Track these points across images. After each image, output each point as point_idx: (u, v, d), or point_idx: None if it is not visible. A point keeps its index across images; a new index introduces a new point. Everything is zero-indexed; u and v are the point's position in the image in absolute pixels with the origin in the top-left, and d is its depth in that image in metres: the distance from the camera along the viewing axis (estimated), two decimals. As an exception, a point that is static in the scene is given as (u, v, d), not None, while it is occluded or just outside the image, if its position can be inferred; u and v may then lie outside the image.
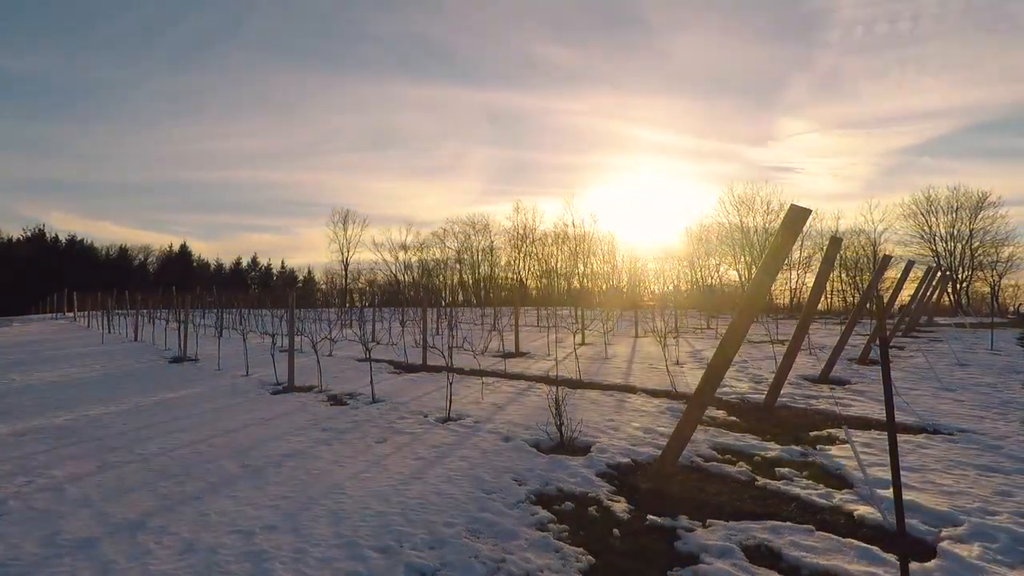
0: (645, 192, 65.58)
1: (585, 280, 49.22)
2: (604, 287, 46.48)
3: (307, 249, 77.91)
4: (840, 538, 3.05)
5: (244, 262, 71.68)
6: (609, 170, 66.75)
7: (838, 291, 43.22)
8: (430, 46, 63.14)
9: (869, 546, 2.95)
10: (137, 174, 76.36)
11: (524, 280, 51.73)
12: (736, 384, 7.73)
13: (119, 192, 78.13)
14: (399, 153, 72.47)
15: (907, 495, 3.33)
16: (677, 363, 9.91)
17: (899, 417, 5.56)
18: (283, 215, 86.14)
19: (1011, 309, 33.40)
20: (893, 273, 24.43)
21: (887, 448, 2.55)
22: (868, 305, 11.27)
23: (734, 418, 5.86)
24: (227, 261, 71.82)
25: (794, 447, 4.75)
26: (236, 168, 74.26)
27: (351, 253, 57.15)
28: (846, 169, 57.75)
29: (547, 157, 69.25)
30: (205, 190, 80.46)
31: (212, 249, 60.26)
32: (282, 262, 73.26)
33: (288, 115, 70.06)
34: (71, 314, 31.25)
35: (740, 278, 42.40)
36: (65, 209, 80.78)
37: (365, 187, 75.74)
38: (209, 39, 65.38)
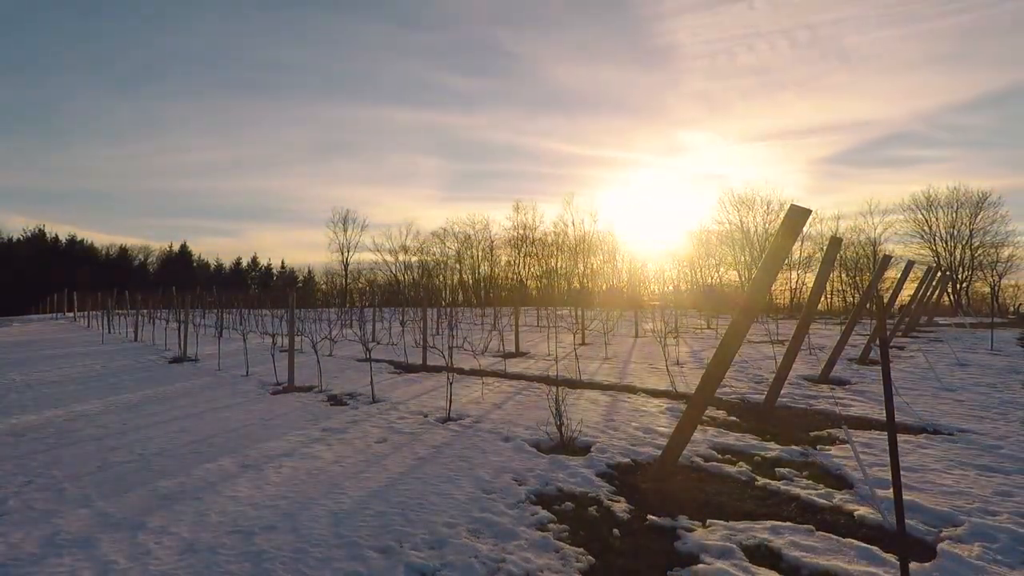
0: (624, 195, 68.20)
1: (585, 280, 49.25)
2: (604, 287, 46.51)
3: (263, 249, 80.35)
4: (840, 538, 3.05)
5: (244, 262, 71.78)
6: (562, 179, 71.05)
7: (838, 291, 43.24)
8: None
9: (869, 546, 2.95)
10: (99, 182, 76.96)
11: (524, 280, 51.76)
12: (736, 384, 7.73)
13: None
14: (349, 163, 75.81)
15: (907, 495, 3.33)
16: (677, 363, 9.91)
17: (899, 417, 5.56)
18: (238, 219, 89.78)
19: (1011, 309, 33.40)
20: (893, 273, 24.45)
21: (887, 448, 2.55)
22: (868, 305, 11.27)
23: (734, 418, 5.86)
24: (227, 261, 72.00)
25: (794, 447, 4.75)
26: (195, 178, 77.28)
27: (351, 253, 57.21)
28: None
29: (496, 165, 72.69)
30: (169, 198, 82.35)
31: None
32: (282, 262, 73.34)
33: (241, 131, 72.68)
34: (71, 314, 31.25)
35: (740, 278, 42.41)
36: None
37: (316, 194, 78.76)
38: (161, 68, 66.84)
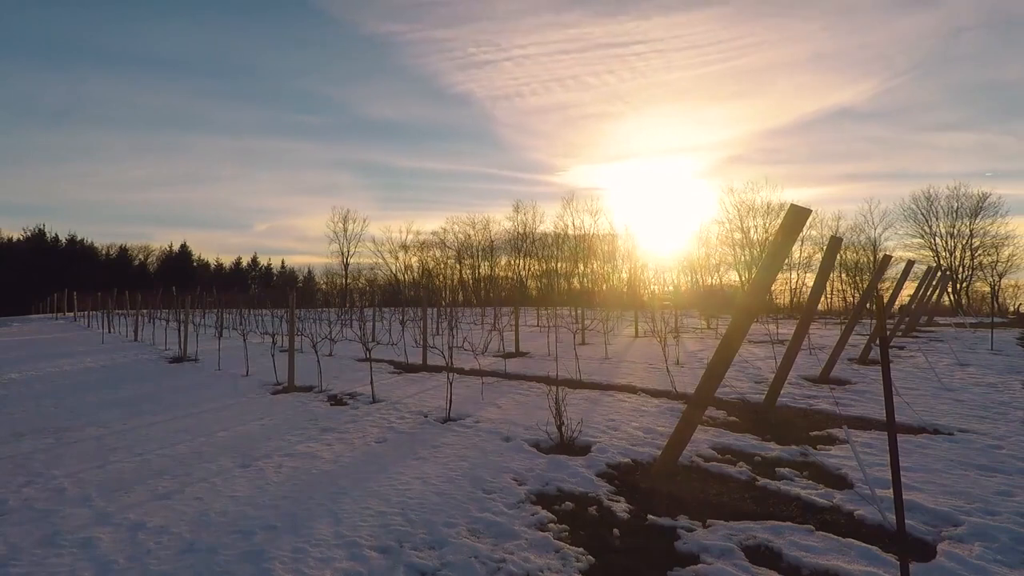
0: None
1: (585, 280, 49.26)
2: (604, 287, 46.52)
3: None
4: (840, 538, 3.05)
5: (244, 262, 71.80)
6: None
7: (838, 291, 43.25)
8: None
9: (869, 546, 2.95)
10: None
11: (524, 280, 51.75)
12: (736, 384, 7.73)
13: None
14: (280, 173, 78.20)
15: (907, 495, 3.33)
16: (677, 363, 9.91)
17: (899, 417, 5.56)
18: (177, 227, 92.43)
19: (1011, 309, 33.40)
20: (893, 273, 24.44)
21: (887, 448, 2.55)
22: (868, 305, 11.27)
23: (734, 418, 5.86)
24: (227, 261, 72.06)
25: (794, 447, 4.75)
26: (134, 191, 79.22)
27: (351, 253, 57.23)
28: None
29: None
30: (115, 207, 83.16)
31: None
32: (282, 262, 73.40)
33: (175, 144, 74.74)
34: (71, 314, 31.26)
35: (740, 278, 42.41)
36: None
37: (244, 203, 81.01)
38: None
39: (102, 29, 67.64)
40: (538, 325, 19.15)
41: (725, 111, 61.56)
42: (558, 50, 62.51)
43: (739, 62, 59.37)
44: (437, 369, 9.46)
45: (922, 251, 40.49)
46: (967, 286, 40.85)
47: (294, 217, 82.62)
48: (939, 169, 55.39)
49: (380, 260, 55.69)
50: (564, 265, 50.77)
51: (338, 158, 76.56)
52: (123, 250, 64.64)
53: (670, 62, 60.38)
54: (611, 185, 72.00)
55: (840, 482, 3.96)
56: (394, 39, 65.97)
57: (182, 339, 12.08)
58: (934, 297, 18.21)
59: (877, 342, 6.83)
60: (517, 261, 53.02)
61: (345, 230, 57.09)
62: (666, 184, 61.70)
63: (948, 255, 40.38)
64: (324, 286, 57.24)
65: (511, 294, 41.78)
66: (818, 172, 57.90)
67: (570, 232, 50.29)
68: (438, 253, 55.07)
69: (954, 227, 40.24)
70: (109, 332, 19.49)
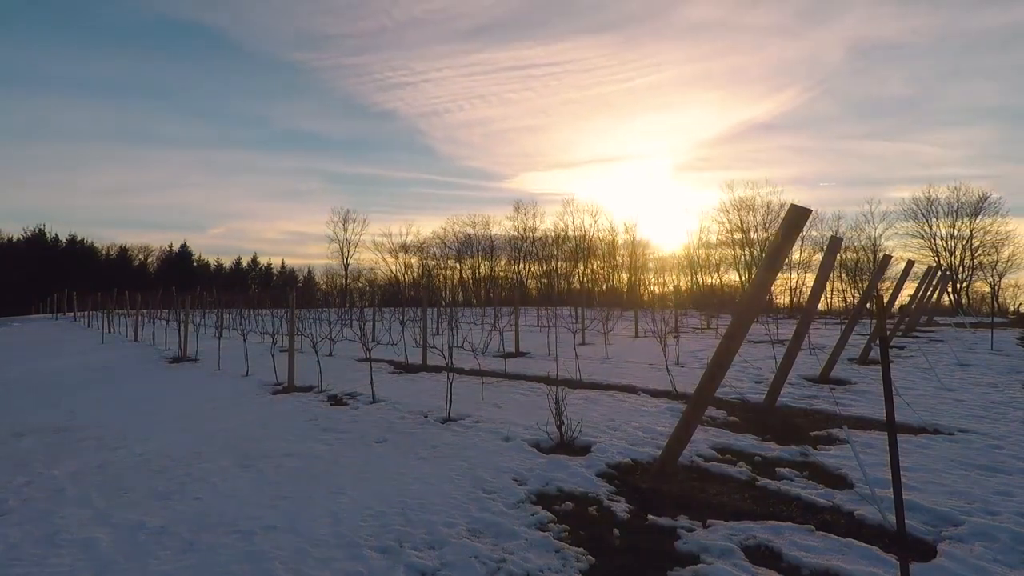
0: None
1: (585, 280, 49.25)
2: (604, 287, 46.51)
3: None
4: (840, 538, 3.05)
5: (244, 262, 71.80)
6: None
7: (838, 291, 43.26)
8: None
9: (869, 546, 2.95)
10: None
11: (524, 280, 51.75)
12: (736, 384, 7.73)
13: None
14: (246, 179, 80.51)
15: (907, 495, 3.33)
16: (677, 363, 9.91)
17: (899, 417, 5.55)
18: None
19: (1011, 309, 33.40)
20: (893, 273, 24.45)
21: (887, 448, 2.55)
22: (868, 305, 11.27)
23: (734, 418, 5.86)
24: (227, 261, 72.11)
25: (794, 447, 4.75)
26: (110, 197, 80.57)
27: (351, 253, 57.24)
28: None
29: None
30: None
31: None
32: (282, 262, 73.36)
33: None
34: (71, 314, 31.25)
35: (740, 278, 42.41)
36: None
37: (212, 208, 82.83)
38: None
39: (55, 59, 70.84)
40: (538, 325, 19.15)
41: (649, 124, 66.50)
42: (470, 72, 68.05)
43: (649, 79, 64.85)
44: (437, 369, 9.46)
45: (922, 251, 40.55)
46: (967, 286, 40.86)
47: (248, 220, 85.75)
48: (853, 175, 59.23)
49: (380, 260, 55.73)
50: (564, 265, 50.80)
51: (285, 167, 79.83)
52: (123, 250, 64.60)
53: (579, 80, 66.43)
54: (564, 188, 77.34)
55: (840, 482, 3.96)
56: (306, 65, 71.50)
57: (182, 339, 12.08)
58: (934, 297, 18.21)
59: (877, 342, 6.83)
60: (517, 261, 53.06)
61: (345, 230, 57.16)
62: (612, 188, 68.37)
63: (948, 255, 40.40)
64: (324, 286, 57.32)
65: (511, 294, 41.78)
66: (747, 179, 61.85)
67: (570, 232, 50.34)
68: (438, 253, 55.12)
69: (954, 227, 40.29)
70: (109, 332, 19.49)
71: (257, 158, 78.85)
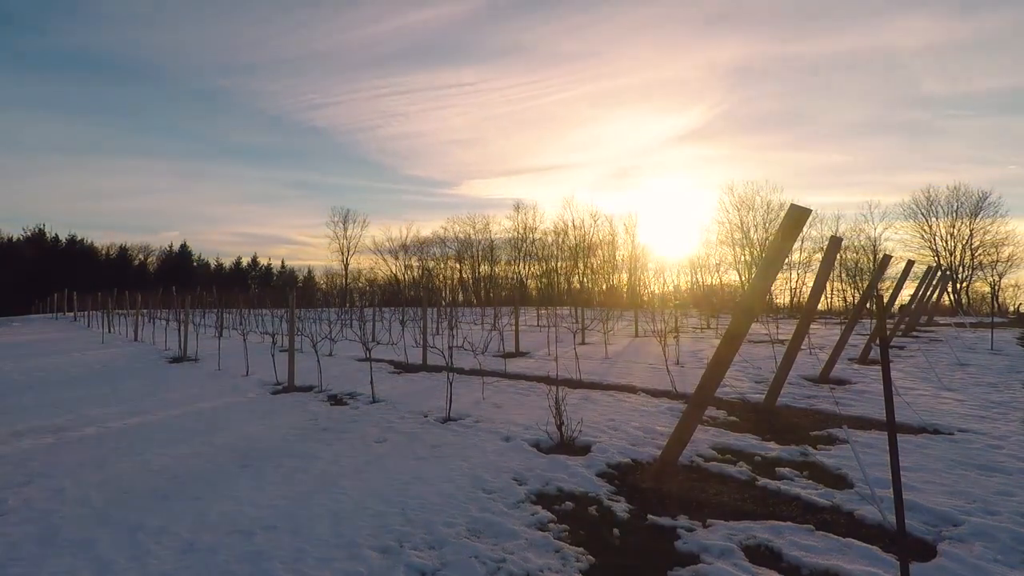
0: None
1: (585, 280, 49.25)
2: (604, 287, 46.52)
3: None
4: (840, 538, 3.05)
5: (244, 262, 71.81)
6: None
7: (838, 291, 43.25)
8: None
9: (869, 546, 2.95)
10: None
11: (524, 280, 51.76)
12: (736, 384, 7.73)
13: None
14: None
15: (907, 495, 3.33)
16: (677, 363, 9.91)
17: (899, 417, 5.56)
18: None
19: (1011, 309, 33.39)
20: (893, 273, 24.45)
21: (887, 448, 2.55)
22: (868, 305, 11.26)
23: (734, 418, 5.86)
24: (227, 261, 72.18)
25: (794, 447, 4.75)
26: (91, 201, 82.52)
27: (351, 253, 57.27)
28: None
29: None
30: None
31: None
32: (282, 262, 73.42)
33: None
34: (71, 314, 31.26)
35: (740, 278, 42.41)
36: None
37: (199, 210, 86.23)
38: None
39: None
40: (538, 325, 19.15)
41: (578, 136, 70.85)
42: (390, 93, 72.99)
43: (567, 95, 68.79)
44: (437, 369, 9.46)
45: (922, 251, 40.55)
46: (967, 286, 40.85)
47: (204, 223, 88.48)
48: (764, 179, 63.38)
49: (380, 260, 55.76)
50: (564, 265, 50.81)
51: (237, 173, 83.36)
52: (123, 250, 64.62)
53: (507, 96, 70.43)
54: (509, 194, 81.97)
55: (840, 482, 3.96)
56: (227, 91, 75.50)
57: (182, 339, 12.08)
58: (934, 297, 18.21)
59: (877, 342, 6.82)
60: (517, 261, 53.07)
61: (345, 230, 57.18)
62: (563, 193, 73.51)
63: (948, 255, 40.40)
64: (324, 286, 57.36)
65: (511, 294, 41.77)
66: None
67: (570, 232, 50.32)
68: (437, 252, 55.15)
69: (954, 227, 40.29)
70: (109, 332, 19.49)
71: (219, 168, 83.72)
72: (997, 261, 39.50)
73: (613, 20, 64.17)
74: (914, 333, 15.11)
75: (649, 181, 67.33)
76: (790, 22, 59.45)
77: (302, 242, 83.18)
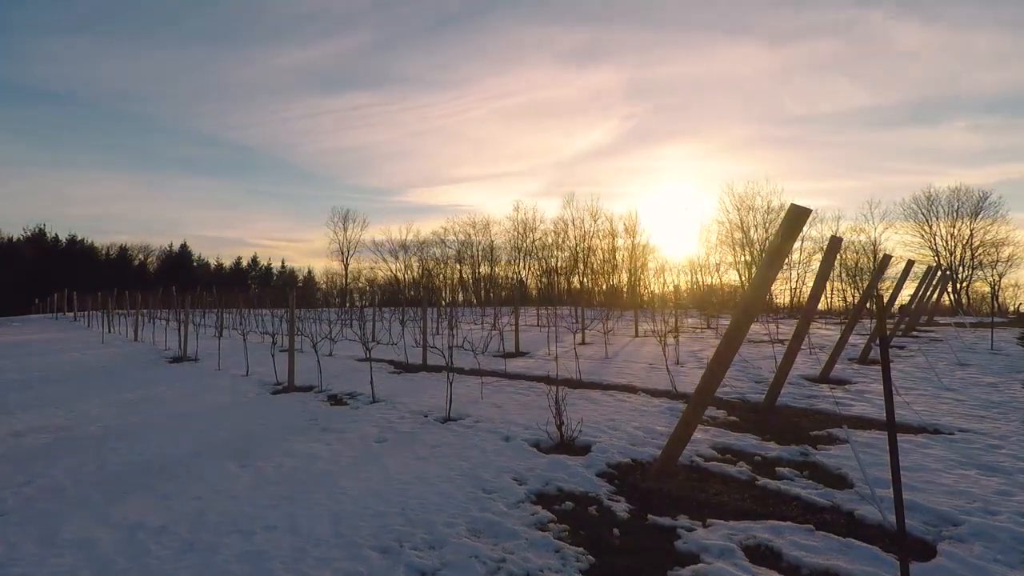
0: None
1: (585, 280, 49.23)
2: (604, 286, 46.51)
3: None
4: (840, 538, 3.05)
5: (244, 262, 71.82)
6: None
7: (838, 291, 43.24)
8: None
9: (869, 546, 2.95)
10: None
11: (524, 280, 51.75)
12: (736, 384, 7.73)
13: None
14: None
15: (907, 495, 3.33)
16: (677, 363, 9.91)
17: (899, 417, 5.56)
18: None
19: (1011, 309, 33.39)
20: (893, 273, 24.44)
21: (887, 448, 2.55)
22: (868, 305, 11.27)
23: (734, 418, 5.86)
24: (227, 261, 72.25)
25: (794, 447, 4.75)
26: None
27: (351, 253, 57.26)
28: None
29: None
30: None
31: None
32: (282, 262, 73.47)
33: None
34: (71, 314, 31.25)
35: (740, 278, 42.39)
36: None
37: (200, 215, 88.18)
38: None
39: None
40: (538, 325, 19.15)
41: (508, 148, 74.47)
42: (306, 114, 76.10)
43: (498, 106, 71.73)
44: (437, 369, 9.46)
45: (922, 251, 40.56)
46: (967, 286, 40.85)
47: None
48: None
49: (380, 258, 55.75)
50: (564, 264, 50.80)
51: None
52: (123, 250, 64.61)
53: (423, 114, 73.91)
54: (453, 201, 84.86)
55: (840, 482, 3.96)
56: (146, 114, 78.90)
57: (182, 339, 12.09)
58: (934, 297, 18.21)
59: (877, 342, 6.83)
60: (517, 261, 53.05)
61: (345, 230, 57.17)
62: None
63: (948, 255, 40.40)
64: (324, 286, 57.37)
65: (511, 294, 41.81)
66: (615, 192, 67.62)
67: (570, 232, 50.30)
68: (437, 252, 55.14)
69: (954, 227, 40.30)
70: (109, 332, 19.49)
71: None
72: (997, 261, 39.56)
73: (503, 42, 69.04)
74: (914, 333, 15.11)
75: (582, 189, 71.07)
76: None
77: (264, 244, 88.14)
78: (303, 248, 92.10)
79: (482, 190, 77.81)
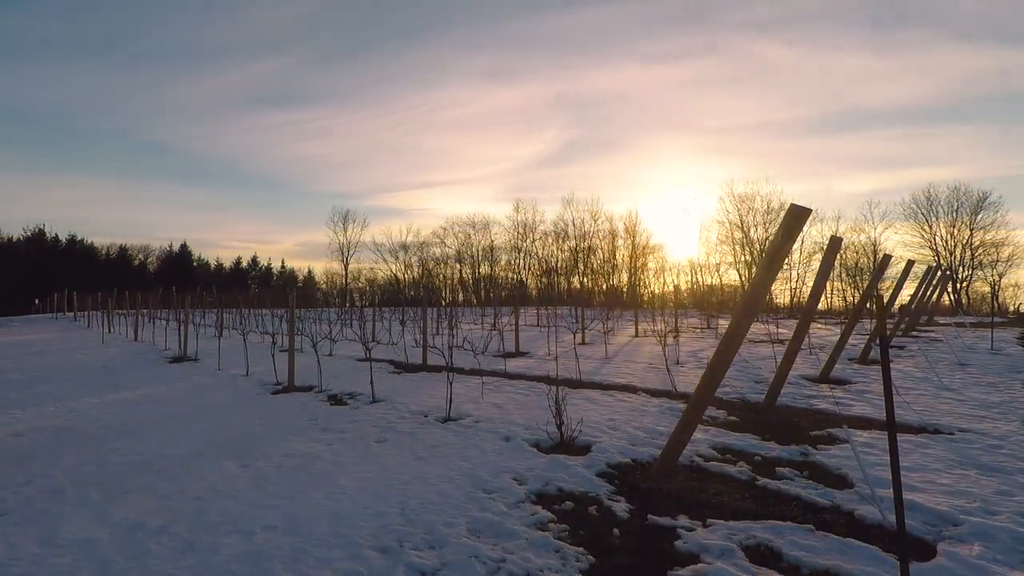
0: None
1: (585, 280, 49.22)
2: (604, 287, 46.50)
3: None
4: (840, 538, 3.05)
5: (244, 262, 71.81)
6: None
7: (838, 291, 43.23)
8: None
9: (869, 546, 2.95)
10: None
11: (524, 280, 51.73)
12: (736, 384, 7.73)
13: None
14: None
15: (907, 495, 3.33)
16: (677, 363, 9.91)
17: (899, 417, 5.55)
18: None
19: (1011, 309, 33.39)
20: (893, 273, 24.44)
21: (887, 448, 2.55)
22: (868, 305, 11.26)
23: (734, 418, 5.86)
24: (227, 261, 72.29)
25: (794, 447, 4.75)
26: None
27: (351, 252, 57.26)
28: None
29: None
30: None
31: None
32: (282, 262, 73.42)
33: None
34: (71, 314, 31.25)
35: (740, 278, 42.38)
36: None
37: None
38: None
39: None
40: (538, 325, 19.15)
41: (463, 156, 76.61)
42: (256, 128, 77.74)
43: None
44: (437, 369, 9.46)
45: (922, 251, 40.55)
46: (967, 286, 40.84)
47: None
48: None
49: (380, 257, 55.74)
50: (564, 264, 50.79)
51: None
52: (123, 250, 64.58)
53: (363, 127, 76.26)
54: (420, 206, 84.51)
55: (840, 482, 3.96)
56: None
57: (182, 339, 12.08)
58: (934, 297, 18.21)
59: (877, 342, 6.83)
60: (517, 260, 53.04)
61: (345, 230, 57.17)
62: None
63: (948, 255, 40.39)
64: (324, 286, 57.36)
65: (511, 294, 41.82)
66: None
67: (570, 232, 50.29)
68: (437, 252, 55.11)
69: (954, 227, 40.30)
70: (109, 332, 19.49)
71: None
72: (997, 261, 39.55)
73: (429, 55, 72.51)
74: (914, 333, 15.11)
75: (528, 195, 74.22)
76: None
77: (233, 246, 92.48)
78: (275, 249, 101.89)
79: (438, 195, 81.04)
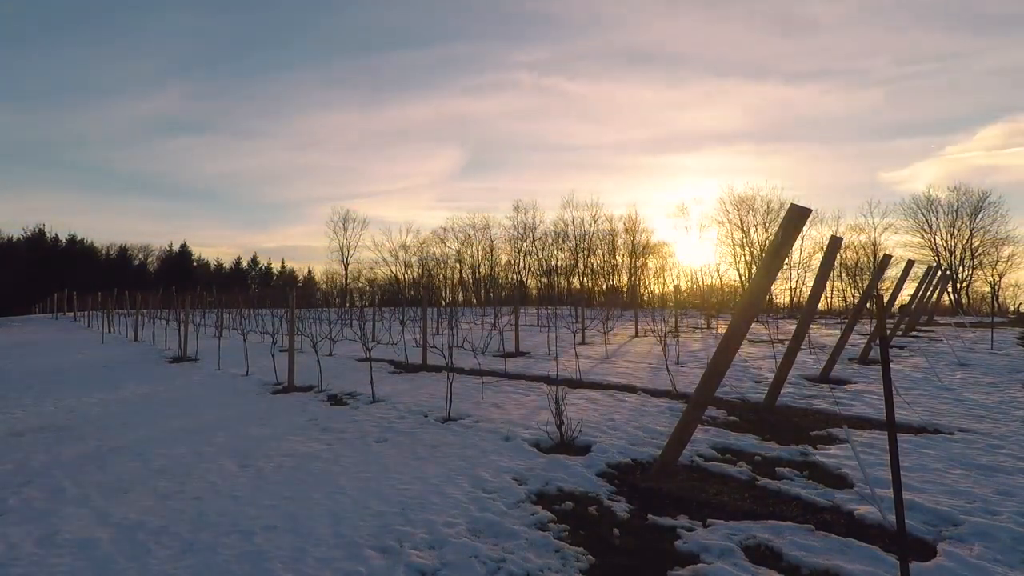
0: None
1: (585, 279, 49.23)
2: (604, 287, 46.51)
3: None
4: (840, 538, 3.05)
5: (244, 262, 71.84)
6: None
7: (838, 291, 43.23)
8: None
9: (869, 546, 2.95)
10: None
11: (524, 280, 51.72)
12: (736, 384, 7.73)
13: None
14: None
15: (907, 495, 3.33)
16: (677, 363, 9.91)
17: (899, 417, 5.55)
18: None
19: (1011, 309, 33.37)
20: (893, 273, 24.44)
21: (887, 448, 2.55)
22: (868, 305, 11.27)
23: (734, 418, 5.86)
24: (227, 261, 72.31)
25: (794, 447, 4.75)
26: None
27: (351, 252, 57.26)
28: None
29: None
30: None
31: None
32: (282, 262, 73.44)
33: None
34: (71, 314, 31.25)
35: (740, 278, 42.39)
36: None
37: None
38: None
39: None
40: (538, 325, 19.14)
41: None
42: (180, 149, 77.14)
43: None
44: (437, 369, 9.46)
45: (922, 251, 40.55)
46: (967, 286, 40.85)
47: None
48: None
49: (380, 257, 55.73)
50: (564, 264, 50.79)
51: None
52: (123, 250, 64.61)
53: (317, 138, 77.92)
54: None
55: (840, 482, 3.96)
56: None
57: (182, 339, 12.08)
58: (934, 297, 18.21)
59: (877, 342, 6.83)
60: (517, 260, 53.02)
61: (345, 230, 57.15)
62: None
63: (948, 255, 40.39)
64: (324, 286, 57.36)
65: (511, 294, 41.82)
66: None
67: (570, 232, 50.28)
68: (437, 252, 55.09)
69: (954, 227, 40.30)
70: (109, 332, 19.49)
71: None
72: (997, 261, 39.56)
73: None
74: (914, 333, 15.11)
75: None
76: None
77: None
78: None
79: (378, 203, 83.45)
